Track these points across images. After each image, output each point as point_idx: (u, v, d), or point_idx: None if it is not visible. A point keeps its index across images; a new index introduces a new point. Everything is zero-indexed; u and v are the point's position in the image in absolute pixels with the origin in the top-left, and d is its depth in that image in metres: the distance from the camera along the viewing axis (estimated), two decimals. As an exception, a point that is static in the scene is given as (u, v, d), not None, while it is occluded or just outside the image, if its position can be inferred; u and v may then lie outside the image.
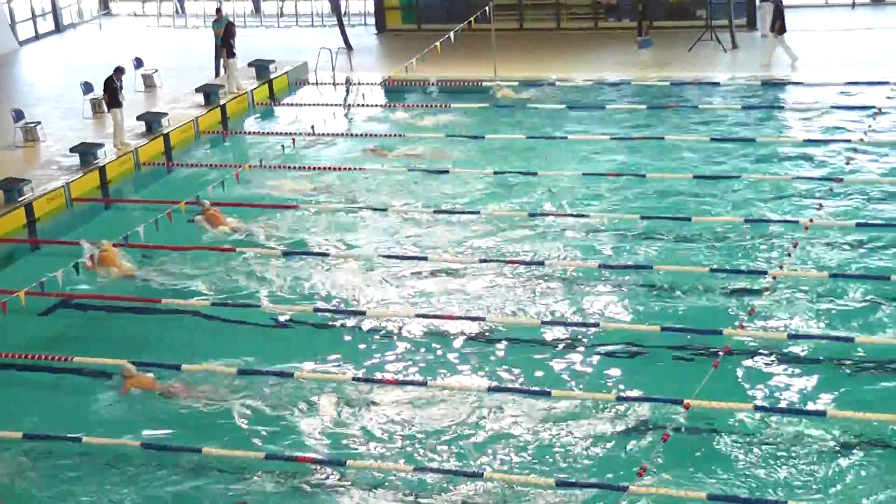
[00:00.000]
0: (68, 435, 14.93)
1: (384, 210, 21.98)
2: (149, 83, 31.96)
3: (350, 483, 13.77)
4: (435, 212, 21.71)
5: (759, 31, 34.07)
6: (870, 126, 24.29)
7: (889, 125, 24.86)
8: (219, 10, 32.87)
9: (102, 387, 16.27)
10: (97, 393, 16.15)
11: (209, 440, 14.66)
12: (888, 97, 26.05)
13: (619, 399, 14.98)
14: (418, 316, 17.62)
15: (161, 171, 25.59)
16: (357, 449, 14.47)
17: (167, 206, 21.32)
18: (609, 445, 14.17)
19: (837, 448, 13.79)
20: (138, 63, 32.46)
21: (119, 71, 26.08)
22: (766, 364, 15.76)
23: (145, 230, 19.82)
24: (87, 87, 29.71)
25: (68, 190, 23.77)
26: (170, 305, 18.51)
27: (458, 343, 16.92)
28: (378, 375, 16.12)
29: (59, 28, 40.96)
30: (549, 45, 34.55)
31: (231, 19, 33.60)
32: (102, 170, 24.86)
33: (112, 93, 25.68)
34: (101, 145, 25.58)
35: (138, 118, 27.39)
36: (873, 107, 25.62)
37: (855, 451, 13.71)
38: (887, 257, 18.67)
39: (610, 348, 16.50)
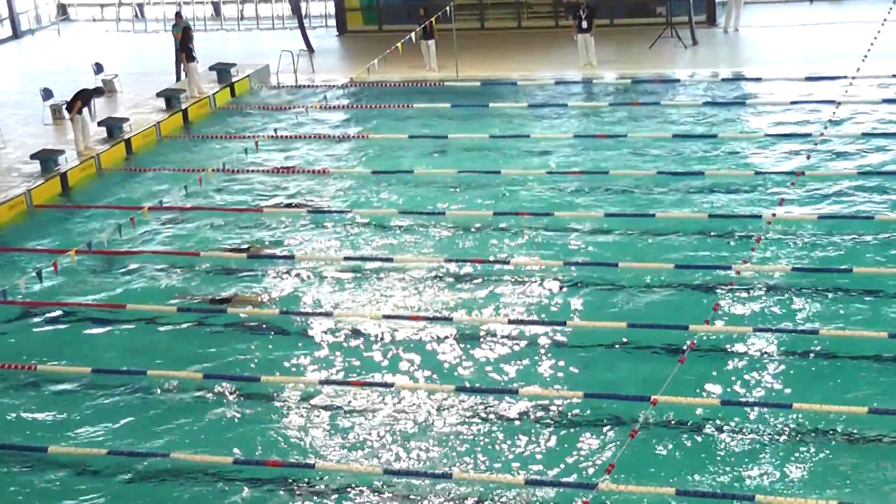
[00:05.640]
0: (32, 445, 14.85)
1: (348, 211, 21.96)
2: (109, 88, 31.74)
3: (319, 486, 13.73)
4: (400, 212, 21.70)
5: (722, 27, 34.30)
6: (829, 120, 24.44)
7: (848, 118, 25.05)
8: (178, 15, 32.71)
9: (67, 395, 16.17)
10: (62, 401, 16.04)
11: (177, 445, 14.61)
12: (847, 91, 26.23)
13: (587, 397, 15.00)
14: (385, 317, 17.60)
15: (123, 176, 25.43)
16: (325, 452, 14.44)
17: (130, 212, 21.26)
18: (577, 443, 14.20)
19: (804, 440, 13.88)
20: (98, 68, 32.27)
21: (98, 91, 26.11)
22: (732, 358, 15.84)
23: (109, 236, 19.80)
24: (47, 94, 29.51)
25: (29, 197, 23.60)
26: (135, 311, 18.42)
27: (424, 344, 16.91)
28: (344, 377, 16.09)
29: (16, 34, 40.67)
30: (510, 44, 34.61)
31: (190, 23, 33.45)
32: (64, 176, 24.70)
33: (85, 101, 25.62)
34: (61, 152, 25.42)
35: (99, 124, 27.25)
36: (832, 101, 25.78)
37: (820, 442, 13.80)
38: (849, 250, 18.80)
39: (576, 346, 16.53)
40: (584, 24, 30.74)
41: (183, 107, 29.14)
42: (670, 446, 13.97)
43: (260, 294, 18.67)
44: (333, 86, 30.61)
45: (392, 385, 15.71)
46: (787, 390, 14.96)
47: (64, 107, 27.01)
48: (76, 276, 19.86)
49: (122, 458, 14.40)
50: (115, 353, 17.31)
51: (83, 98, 25.74)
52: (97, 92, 26.40)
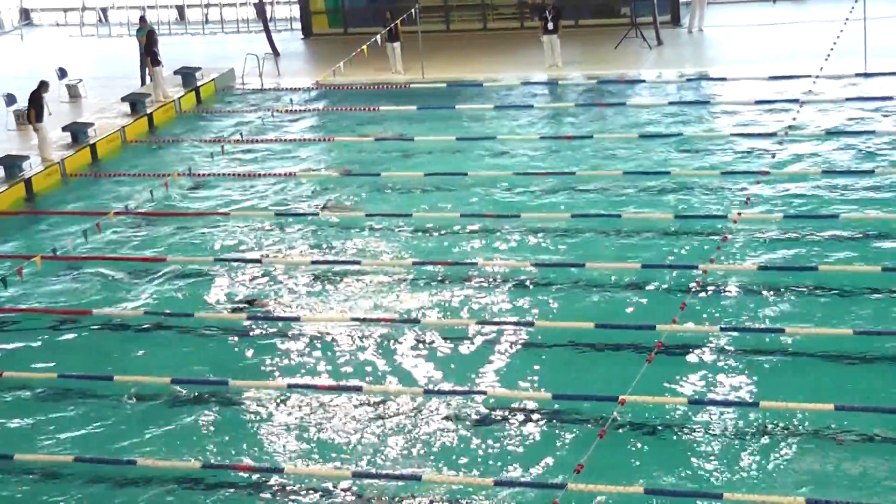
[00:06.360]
0: None
1: (315, 214, 21.92)
2: (73, 93, 31.60)
3: (287, 490, 13.70)
4: (367, 215, 21.69)
5: (686, 27, 34.46)
6: (793, 119, 24.60)
7: (812, 117, 25.21)
8: (143, 19, 32.61)
9: (33, 401, 16.07)
10: (28, 408, 15.94)
11: (144, 451, 14.55)
12: (810, 90, 26.40)
13: (555, 397, 15.03)
14: (353, 320, 17.57)
15: (88, 181, 25.31)
16: (294, 455, 14.40)
17: (96, 217, 21.15)
18: (546, 443, 14.22)
19: (771, 438, 13.94)
20: (62, 73, 32.09)
21: (44, 86, 25.87)
22: (700, 358, 15.90)
23: (74, 242, 19.71)
24: (10, 99, 29.30)
25: (-7, 203, 23.48)
26: (101, 316, 18.32)
27: (393, 346, 16.90)
28: (313, 381, 16.06)
29: (-21, 39, 40.44)
30: (475, 45, 34.66)
31: (154, 27, 33.30)
32: (28, 182, 24.54)
33: (39, 108, 25.43)
34: (26, 157, 25.26)
35: (64, 129, 27.09)
36: (796, 100, 25.95)
37: (788, 440, 13.87)
38: (814, 248, 18.92)
39: (544, 346, 16.56)
40: (551, 26, 30.81)
41: (148, 111, 29.03)
42: (639, 446, 14.01)
43: (268, 298, 18.64)
44: (299, 89, 30.56)
45: (360, 388, 15.69)
46: (754, 388, 15.03)
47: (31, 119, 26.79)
48: (42, 282, 19.74)
49: (88, 464, 14.31)
50: (82, 358, 17.20)
51: (35, 104, 25.55)
52: (43, 87, 26.11)
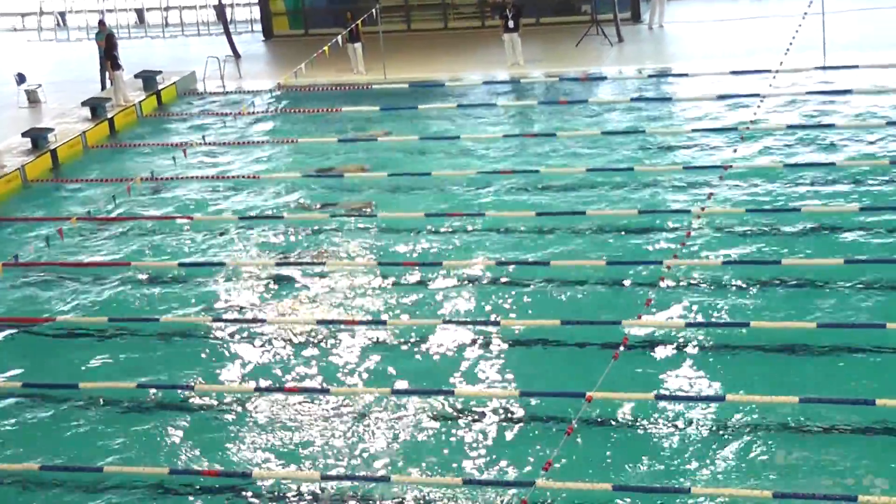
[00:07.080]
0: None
1: (280, 217, 21.87)
2: (33, 98, 31.39)
3: (256, 494, 13.65)
4: (331, 216, 21.65)
5: (646, 24, 34.59)
6: (755, 113, 24.73)
7: (773, 112, 25.36)
8: (101, 22, 32.43)
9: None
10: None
11: (110, 457, 14.46)
12: (771, 84, 26.56)
13: (523, 395, 15.05)
14: (318, 322, 17.54)
15: (50, 187, 25.13)
16: (262, 459, 14.35)
17: (58, 223, 21.02)
18: (514, 441, 14.24)
19: (737, 432, 14.00)
20: (21, 78, 31.87)
21: None
22: (665, 353, 15.95)
23: (36, 248, 19.60)
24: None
25: (-47, 211, 23.29)
26: (65, 322, 18.20)
27: (360, 348, 16.87)
28: (280, 384, 16.01)
29: (-64, 45, 40.11)
30: (437, 45, 34.69)
31: (114, 31, 33.12)
32: (-11, 189, 24.42)
33: None
34: (-15, 164, 25.14)
35: (23, 135, 26.89)
36: (757, 94, 26.10)
37: (754, 434, 13.94)
38: (777, 242, 19.02)
39: (511, 344, 16.58)
40: (512, 24, 30.87)
41: (109, 115, 28.87)
42: (606, 442, 14.04)
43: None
44: (261, 91, 30.47)
45: (328, 390, 15.65)
46: (720, 383, 15.09)
47: None
48: (4, 289, 19.60)
49: (55, 472, 14.21)
50: (46, 366, 17.08)
51: None
52: None
